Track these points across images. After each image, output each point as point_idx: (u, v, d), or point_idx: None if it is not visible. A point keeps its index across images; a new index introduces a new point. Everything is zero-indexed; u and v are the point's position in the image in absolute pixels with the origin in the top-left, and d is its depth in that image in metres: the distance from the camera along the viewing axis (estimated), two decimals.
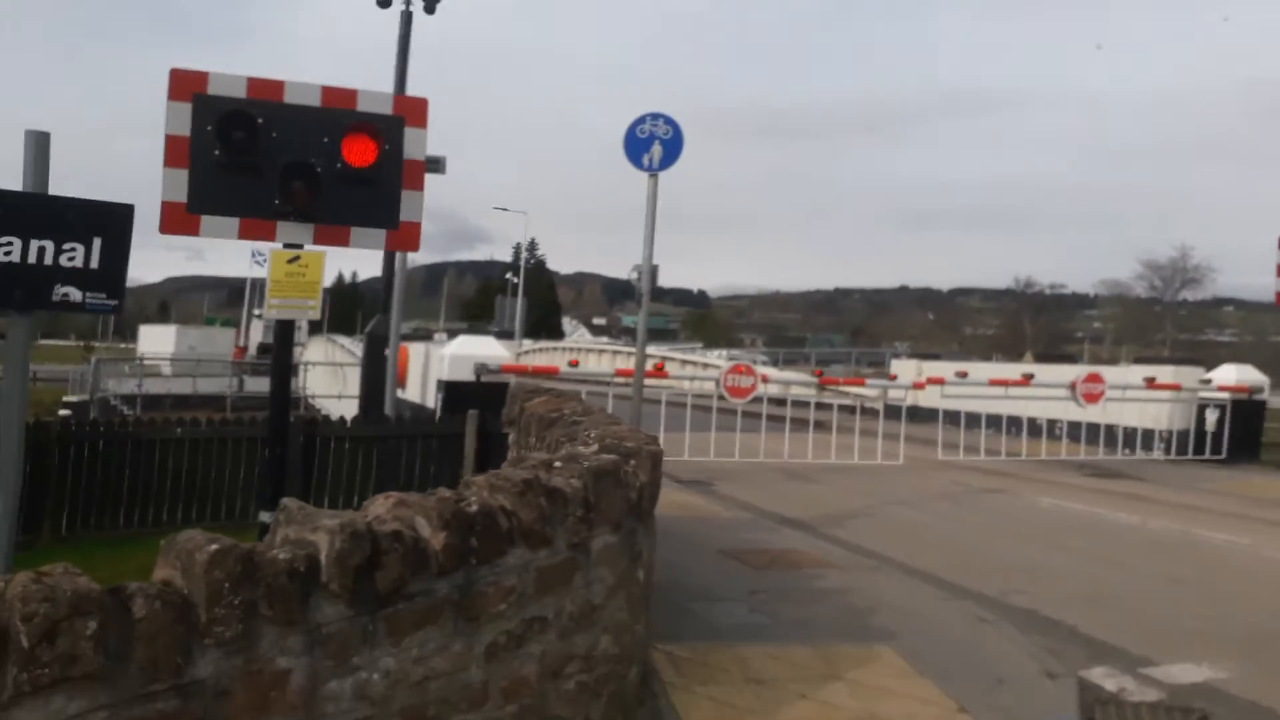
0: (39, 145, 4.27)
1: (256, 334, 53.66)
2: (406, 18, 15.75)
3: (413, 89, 15.43)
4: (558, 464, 3.26)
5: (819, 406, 17.61)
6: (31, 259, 4.17)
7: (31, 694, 2.13)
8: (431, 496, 2.85)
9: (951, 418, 15.54)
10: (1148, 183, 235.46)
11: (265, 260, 6.68)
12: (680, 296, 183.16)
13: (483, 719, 3.12)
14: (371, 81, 22.07)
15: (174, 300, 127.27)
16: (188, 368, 32.08)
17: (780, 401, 17.15)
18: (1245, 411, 15.33)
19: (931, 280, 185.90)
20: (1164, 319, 62.10)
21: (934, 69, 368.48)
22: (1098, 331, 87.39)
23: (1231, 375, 15.82)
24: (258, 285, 66.97)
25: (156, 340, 43.98)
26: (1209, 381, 15.76)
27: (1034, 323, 66.88)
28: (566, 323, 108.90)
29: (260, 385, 27.70)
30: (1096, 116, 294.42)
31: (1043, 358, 23.29)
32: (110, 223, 4.47)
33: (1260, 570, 7.42)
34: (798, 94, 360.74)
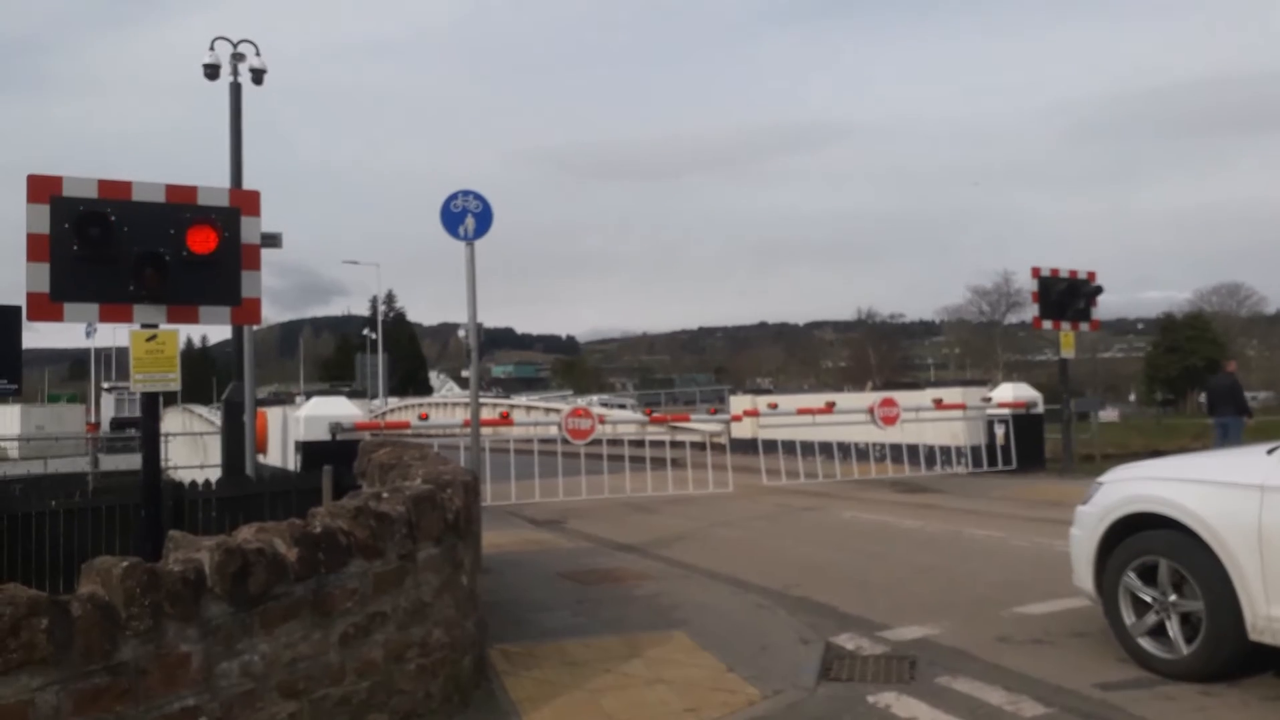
0: None
1: (109, 408, 51.51)
2: (236, 90, 15.62)
3: (250, 143, 15.87)
4: (385, 494, 4.31)
5: (674, 445, 18.94)
6: None
7: (4, 673, 3.05)
8: (284, 523, 3.87)
9: (788, 447, 17.00)
10: (974, 209, 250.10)
11: (95, 331, 7.27)
12: (550, 343, 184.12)
13: (342, 692, 4.11)
14: (212, 127, 22.33)
15: None
16: (38, 449, 31.03)
17: (638, 443, 18.23)
18: (1025, 425, 17.16)
19: (788, 315, 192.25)
20: (995, 342, 66.72)
21: (765, 103, 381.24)
22: (944, 357, 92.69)
23: (1009, 393, 17.63)
24: (101, 357, 64.40)
25: (0, 421, 41.70)
26: (989, 400, 17.58)
27: (878, 352, 70.41)
28: (434, 377, 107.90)
29: (116, 463, 27.17)
30: (920, 145, 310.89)
31: (889, 385, 25.43)
32: (2, 322, 5.32)
33: (1000, 555, 8.95)
34: (636, 134, 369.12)
